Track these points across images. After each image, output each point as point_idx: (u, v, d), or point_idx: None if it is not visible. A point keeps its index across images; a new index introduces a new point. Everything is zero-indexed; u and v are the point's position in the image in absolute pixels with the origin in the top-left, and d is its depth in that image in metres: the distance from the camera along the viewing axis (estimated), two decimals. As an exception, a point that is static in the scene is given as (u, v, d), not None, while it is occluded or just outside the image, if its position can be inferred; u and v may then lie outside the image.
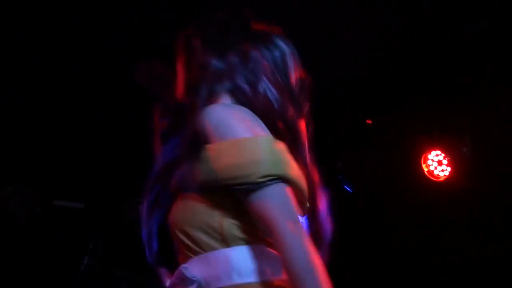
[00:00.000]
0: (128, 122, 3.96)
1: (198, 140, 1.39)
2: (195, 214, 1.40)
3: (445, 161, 4.03)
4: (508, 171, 3.90)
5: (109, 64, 3.78)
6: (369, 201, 4.26)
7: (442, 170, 4.03)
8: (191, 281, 1.38)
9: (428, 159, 4.06)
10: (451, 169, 4.01)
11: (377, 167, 4.18)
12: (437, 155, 4.04)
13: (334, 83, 3.86)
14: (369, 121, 4.05)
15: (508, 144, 3.90)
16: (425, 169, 4.06)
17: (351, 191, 4.15)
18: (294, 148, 1.47)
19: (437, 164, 4.04)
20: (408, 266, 4.39)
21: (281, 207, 1.31)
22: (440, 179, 4.04)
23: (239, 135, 1.35)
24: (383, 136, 4.11)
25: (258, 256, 1.38)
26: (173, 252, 1.58)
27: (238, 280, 1.36)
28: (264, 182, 1.32)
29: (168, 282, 1.50)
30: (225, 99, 1.48)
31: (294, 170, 1.39)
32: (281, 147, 1.39)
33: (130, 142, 4.03)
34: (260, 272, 1.37)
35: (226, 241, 1.38)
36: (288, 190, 1.35)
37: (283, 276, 1.36)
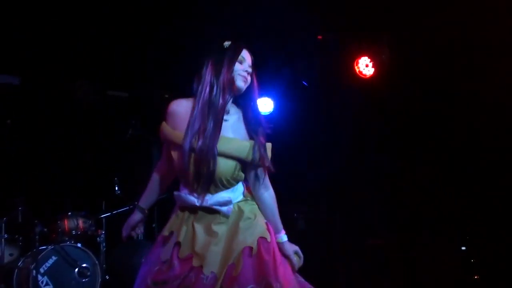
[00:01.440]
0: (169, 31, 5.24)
1: None
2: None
3: (370, 64, 5.79)
4: (408, 70, 5.62)
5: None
6: (320, 90, 6.04)
7: (368, 71, 5.79)
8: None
9: (359, 63, 5.80)
10: (374, 69, 5.77)
11: (326, 68, 5.89)
12: (365, 60, 5.79)
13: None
14: (319, 37, 5.74)
15: (411, 55, 5.58)
16: (357, 70, 5.80)
17: (306, 84, 5.95)
18: None
19: (365, 66, 5.80)
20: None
21: None
22: (367, 77, 5.80)
23: None
24: (330, 47, 5.78)
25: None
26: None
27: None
28: None
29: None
30: None
31: None
32: None
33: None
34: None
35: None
36: None
37: None
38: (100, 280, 4.97)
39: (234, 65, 2.44)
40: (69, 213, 5.21)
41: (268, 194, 2.52)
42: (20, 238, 5.10)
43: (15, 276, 4.80)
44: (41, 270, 4.75)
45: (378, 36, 5.71)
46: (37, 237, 4.87)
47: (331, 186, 6.05)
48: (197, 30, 5.13)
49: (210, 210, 2.42)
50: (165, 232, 2.45)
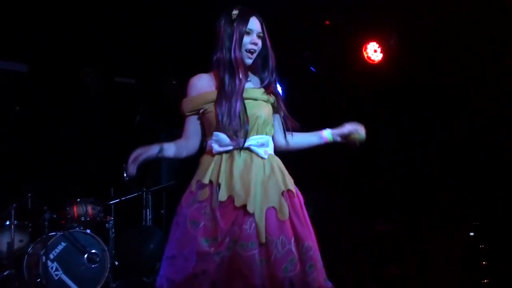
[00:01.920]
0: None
1: None
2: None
3: (378, 50, 5.77)
4: (417, 55, 5.58)
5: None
6: (328, 76, 6.01)
7: (377, 56, 5.77)
8: None
9: (367, 48, 5.78)
10: (382, 55, 5.76)
11: (334, 53, 5.86)
12: (373, 46, 5.76)
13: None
14: (327, 22, 5.70)
15: (420, 40, 5.55)
16: (365, 55, 5.78)
17: (314, 70, 5.92)
18: None
19: (373, 52, 5.77)
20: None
21: None
22: (375, 62, 5.79)
23: None
24: (338, 33, 5.76)
25: None
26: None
27: None
28: None
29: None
30: None
31: None
32: None
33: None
34: None
35: None
36: None
37: None
38: (109, 265, 5.00)
39: (242, 41, 2.50)
40: (78, 200, 5.25)
41: (292, 135, 2.74)
42: (30, 224, 5.14)
43: (25, 262, 4.87)
44: (51, 256, 4.80)
45: (387, 21, 5.64)
46: (46, 223, 4.92)
47: (338, 172, 6.04)
48: (203, 15, 5.11)
49: (246, 156, 2.47)
50: (204, 180, 2.44)
